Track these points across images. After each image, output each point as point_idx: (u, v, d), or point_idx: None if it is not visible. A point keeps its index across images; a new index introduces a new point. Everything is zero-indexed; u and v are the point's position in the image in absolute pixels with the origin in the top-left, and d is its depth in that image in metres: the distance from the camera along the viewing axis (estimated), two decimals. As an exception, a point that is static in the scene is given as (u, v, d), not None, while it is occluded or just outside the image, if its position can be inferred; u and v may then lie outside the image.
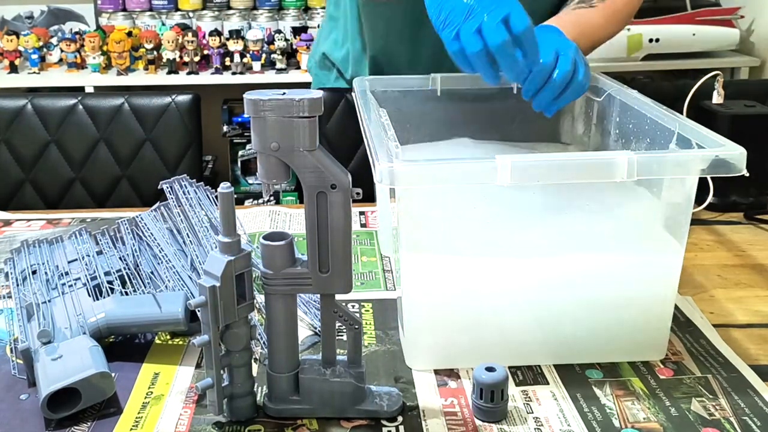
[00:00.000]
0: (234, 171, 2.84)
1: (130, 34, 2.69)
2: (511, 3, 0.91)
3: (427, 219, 0.82)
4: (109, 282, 0.93)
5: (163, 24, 2.83)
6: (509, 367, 0.84)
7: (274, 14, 2.85)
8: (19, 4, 2.94)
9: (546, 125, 1.17)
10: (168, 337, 0.92)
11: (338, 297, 0.76)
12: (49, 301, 0.90)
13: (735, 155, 0.78)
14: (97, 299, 0.90)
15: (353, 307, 0.97)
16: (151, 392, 0.82)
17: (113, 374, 0.81)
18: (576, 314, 0.85)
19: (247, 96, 0.70)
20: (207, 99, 1.98)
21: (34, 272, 0.96)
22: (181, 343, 0.91)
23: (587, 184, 0.82)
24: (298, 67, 2.70)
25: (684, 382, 0.83)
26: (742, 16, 2.76)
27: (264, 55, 2.68)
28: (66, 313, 0.88)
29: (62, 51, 2.69)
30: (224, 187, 0.73)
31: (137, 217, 1.05)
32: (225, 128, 2.84)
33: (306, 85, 1.56)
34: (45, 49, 2.71)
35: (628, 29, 2.72)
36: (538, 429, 0.76)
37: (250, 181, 2.81)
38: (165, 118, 1.67)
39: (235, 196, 0.81)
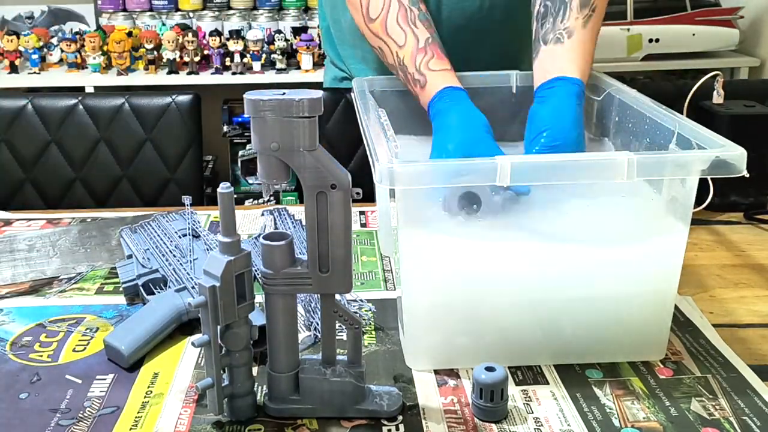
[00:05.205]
0: (234, 171, 2.84)
1: (130, 34, 2.69)
2: None
3: (427, 219, 0.82)
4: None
5: (164, 24, 2.83)
6: (509, 367, 0.84)
7: (274, 14, 2.85)
8: (19, 4, 2.94)
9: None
10: (168, 336, 0.92)
11: (338, 297, 0.76)
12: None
13: (735, 156, 0.78)
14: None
15: (353, 307, 0.97)
16: (151, 391, 0.82)
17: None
18: (576, 314, 0.85)
19: (247, 96, 0.70)
20: (207, 99, 1.98)
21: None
22: (181, 342, 0.92)
23: (587, 184, 0.82)
24: (298, 67, 2.70)
25: (684, 382, 0.83)
26: (741, 17, 2.76)
27: (264, 56, 2.68)
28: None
29: (62, 51, 2.69)
30: (224, 187, 0.73)
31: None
32: (225, 128, 2.84)
33: (306, 85, 1.56)
34: (45, 49, 2.71)
35: (628, 29, 2.72)
36: (538, 429, 0.76)
37: (250, 181, 2.81)
38: (165, 118, 1.67)
39: (235, 196, 0.82)
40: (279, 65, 2.70)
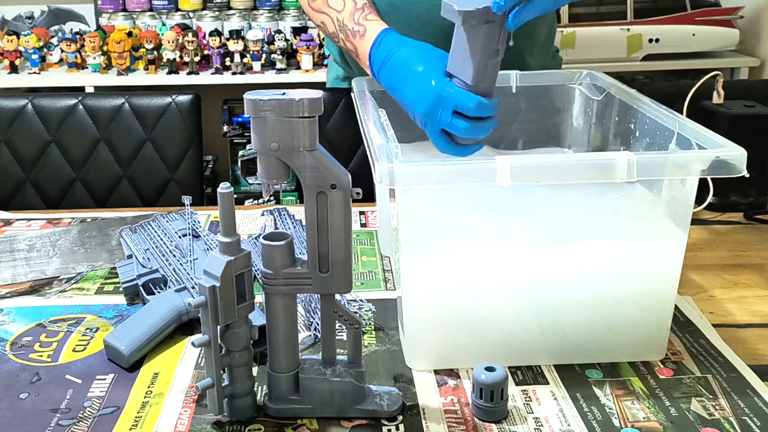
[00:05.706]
0: (234, 171, 2.84)
1: (130, 34, 2.68)
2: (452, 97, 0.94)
3: (427, 219, 0.82)
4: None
5: (164, 24, 2.83)
6: (509, 367, 0.84)
7: (275, 14, 2.85)
8: (19, 4, 2.94)
9: (545, 125, 1.17)
10: (168, 336, 0.92)
11: (338, 297, 0.76)
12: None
13: (735, 156, 0.78)
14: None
15: (353, 307, 0.97)
16: (151, 391, 0.82)
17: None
18: (576, 314, 0.85)
19: (247, 96, 0.70)
20: (207, 99, 1.98)
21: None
22: (181, 342, 0.92)
23: (587, 184, 0.82)
24: (298, 67, 2.70)
25: (684, 382, 0.83)
26: (741, 17, 2.76)
27: (264, 55, 2.68)
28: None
29: (62, 51, 2.68)
30: (224, 187, 0.73)
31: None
32: (225, 128, 2.84)
33: (306, 85, 1.56)
34: (45, 49, 2.71)
35: (628, 29, 2.72)
36: (538, 429, 0.76)
37: (250, 181, 2.81)
38: (165, 118, 1.67)
39: (235, 196, 0.82)
40: (279, 65, 2.69)
